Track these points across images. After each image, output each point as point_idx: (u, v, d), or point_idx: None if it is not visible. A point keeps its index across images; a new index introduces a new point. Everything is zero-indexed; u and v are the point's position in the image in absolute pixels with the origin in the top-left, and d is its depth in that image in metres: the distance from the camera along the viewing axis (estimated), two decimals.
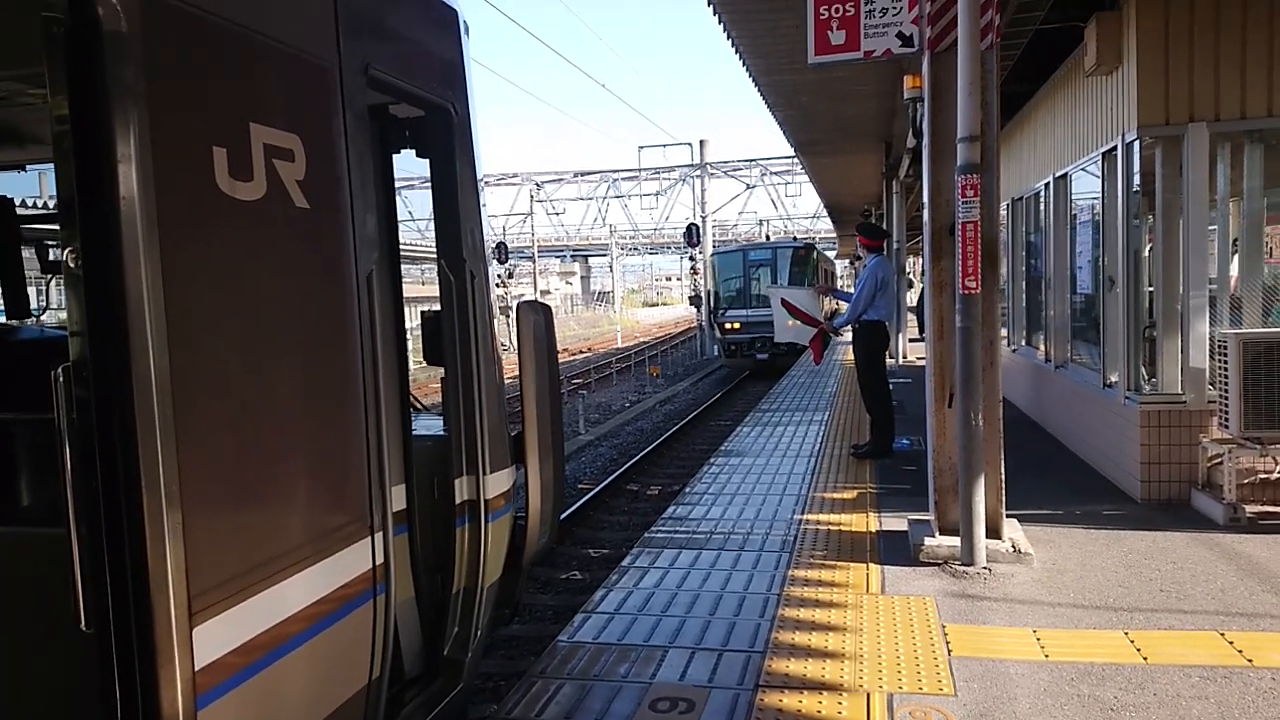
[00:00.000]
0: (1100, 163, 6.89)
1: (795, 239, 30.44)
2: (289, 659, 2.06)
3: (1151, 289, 6.38)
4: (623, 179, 53.01)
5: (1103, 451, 7.07)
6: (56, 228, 3.42)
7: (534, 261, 47.62)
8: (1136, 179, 6.34)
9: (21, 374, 2.77)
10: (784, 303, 8.43)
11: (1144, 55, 5.95)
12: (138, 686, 1.73)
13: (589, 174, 53.73)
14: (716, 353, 26.89)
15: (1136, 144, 6.18)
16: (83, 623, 1.73)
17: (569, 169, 55.53)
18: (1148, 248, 6.48)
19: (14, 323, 3.66)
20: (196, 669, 1.78)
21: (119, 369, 1.69)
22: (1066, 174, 8.17)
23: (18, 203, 3.74)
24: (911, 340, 18.03)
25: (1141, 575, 4.77)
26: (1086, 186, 7.63)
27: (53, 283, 3.79)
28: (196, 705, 1.78)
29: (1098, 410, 7.15)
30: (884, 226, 15.77)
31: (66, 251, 1.70)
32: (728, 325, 24.55)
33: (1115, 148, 6.48)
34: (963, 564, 4.90)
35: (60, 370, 1.70)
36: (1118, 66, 6.32)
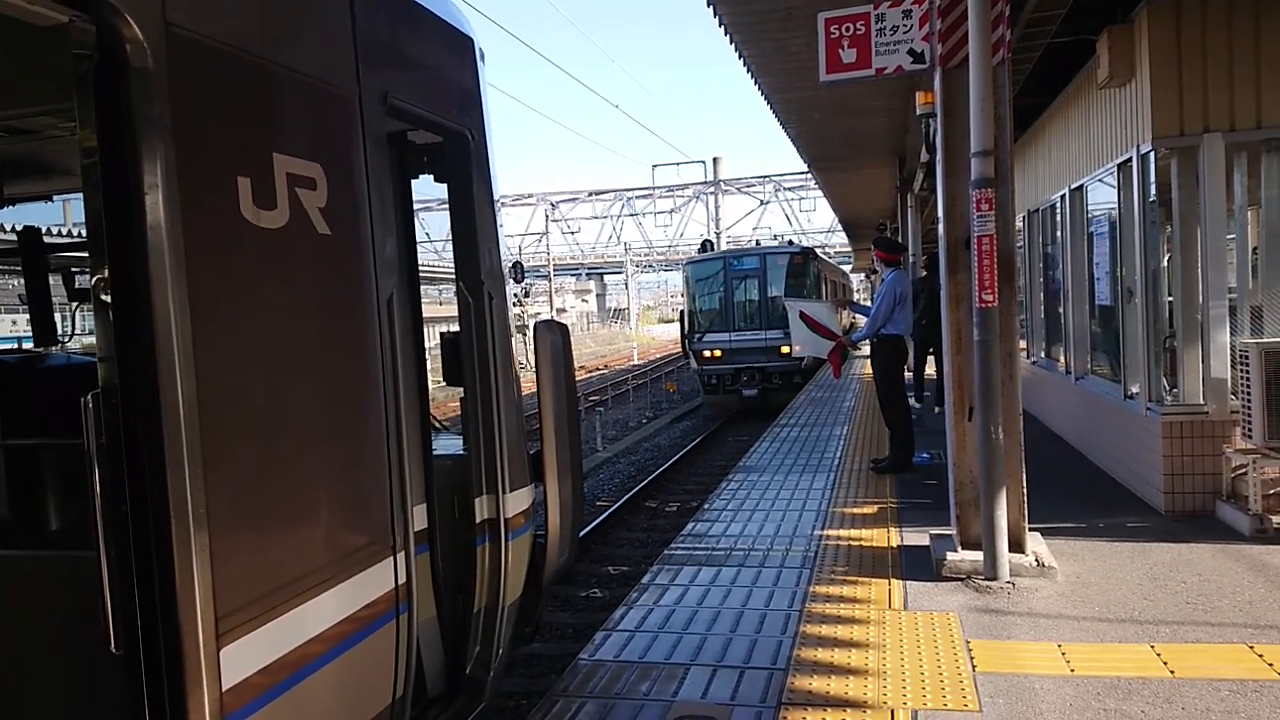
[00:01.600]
0: (1116, 174, 6.87)
1: (790, 243, 23.19)
2: (314, 679, 2.08)
3: (1171, 299, 6.34)
4: (637, 197, 53.40)
5: (1125, 464, 7.01)
6: (83, 255, 3.48)
7: (550, 280, 47.86)
8: (1153, 190, 6.32)
9: (50, 400, 2.83)
10: (802, 315, 8.38)
11: (1157, 67, 5.94)
12: (166, 707, 1.76)
13: (603, 193, 54.15)
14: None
15: (1152, 155, 6.16)
16: (113, 644, 1.76)
17: (583, 188, 56.07)
18: (1166, 258, 6.45)
19: (42, 349, 3.73)
20: (224, 690, 1.80)
21: (147, 394, 1.73)
22: (1082, 186, 8.15)
23: (44, 231, 3.83)
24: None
25: (1167, 588, 4.71)
26: (1103, 198, 7.60)
27: (78, 310, 3.86)
28: None
29: (1119, 422, 7.10)
30: (900, 240, 15.77)
31: (95, 280, 1.74)
32: (706, 353, 19.29)
33: (1130, 159, 6.47)
34: (986, 579, 4.87)
35: (90, 396, 1.74)
36: (1130, 79, 6.31)
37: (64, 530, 2.83)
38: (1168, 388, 6.32)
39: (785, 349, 17.46)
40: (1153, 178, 6.28)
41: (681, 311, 20.85)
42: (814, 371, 17.81)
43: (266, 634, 1.92)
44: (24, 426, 2.88)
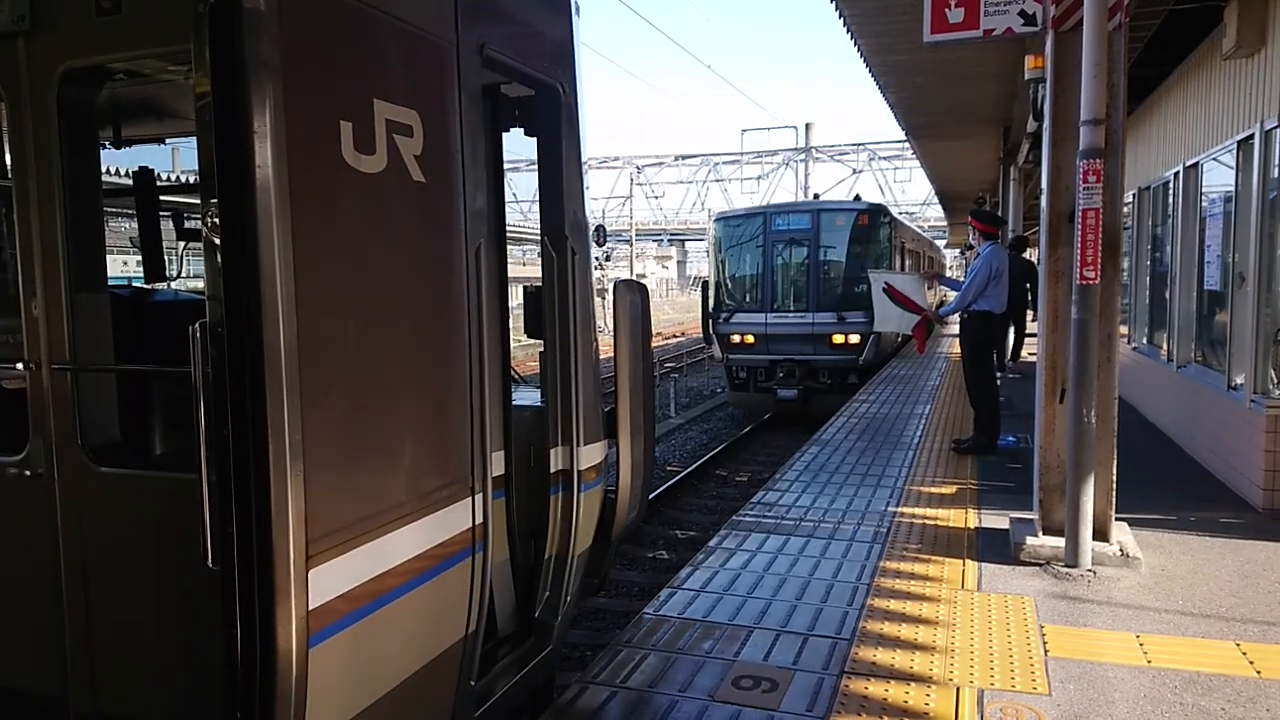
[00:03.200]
0: (1235, 151, 6.48)
1: (858, 197, 17.38)
2: (393, 606, 2.18)
3: None
4: (724, 163, 52.71)
5: (1223, 457, 6.68)
6: (191, 199, 3.66)
7: (631, 245, 47.85)
8: (1275, 169, 5.94)
9: (158, 331, 2.99)
10: (887, 288, 7.97)
11: None
12: (257, 622, 1.87)
13: (689, 157, 53.59)
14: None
15: (1278, 131, 5.78)
16: (210, 560, 1.88)
17: (669, 152, 55.43)
18: None
19: (152, 286, 3.94)
20: (310, 609, 1.90)
21: (251, 329, 1.82)
22: (1197, 163, 7.70)
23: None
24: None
25: (1259, 587, 4.50)
26: (1219, 179, 7.18)
27: (187, 250, 4.04)
28: (309, 644, 1.91)
29: (1220, 413, 6.76)
30: (999, 214, 15.16)
31: (206, 218, 1.83)
32: (734, 337, 14.56)
33: (1252, 135, 6.08)
34: (1066, 565, 4.73)
35: (197, 325, 1.83)
36: (1260, 48, 5.91)
37: (169, 453, 3.00)
38: (1276, 380, 5.99)
39: (839, 338, 13.99)
40: (1276, 156, 5.90)
41: (704, 281, 15.65)
42: (874, 371, 14.28)
43: (352, 560, 2.02)
44: (131, 357, 3.06)
